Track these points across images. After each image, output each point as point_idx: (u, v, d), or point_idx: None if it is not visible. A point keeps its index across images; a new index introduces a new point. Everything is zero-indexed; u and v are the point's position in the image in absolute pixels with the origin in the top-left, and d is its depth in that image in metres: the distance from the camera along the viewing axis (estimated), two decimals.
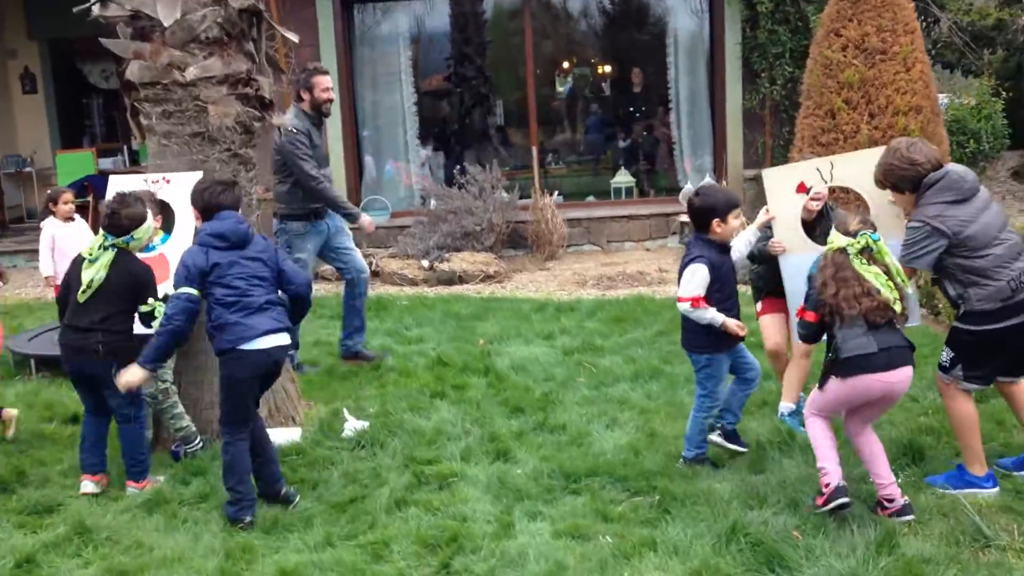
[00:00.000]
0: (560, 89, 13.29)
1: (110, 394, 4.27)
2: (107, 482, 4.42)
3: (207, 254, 4.00)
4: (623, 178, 11.48)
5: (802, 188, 4.52)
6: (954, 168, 4.01)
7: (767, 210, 4.54)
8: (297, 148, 5.96)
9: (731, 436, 4.41)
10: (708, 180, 10.64)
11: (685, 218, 9.67)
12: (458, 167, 10.96)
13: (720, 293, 4.22)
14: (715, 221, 4.15)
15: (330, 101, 6.18)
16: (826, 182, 4.47)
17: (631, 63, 12.40)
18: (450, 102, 12.93)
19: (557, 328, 6.91)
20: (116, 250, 4.27)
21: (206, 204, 4.13)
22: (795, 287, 4.37)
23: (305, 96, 6.11)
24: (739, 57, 10.55)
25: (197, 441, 4.77)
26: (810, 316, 3.84)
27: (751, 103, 10.41)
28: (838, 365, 3.73)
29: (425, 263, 9.50)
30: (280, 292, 4.16)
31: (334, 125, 10.94)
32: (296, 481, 4.32)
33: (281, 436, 4.72)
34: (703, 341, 4.25)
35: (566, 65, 13.13)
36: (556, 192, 10.56)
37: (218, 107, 4.71)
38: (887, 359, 3.66)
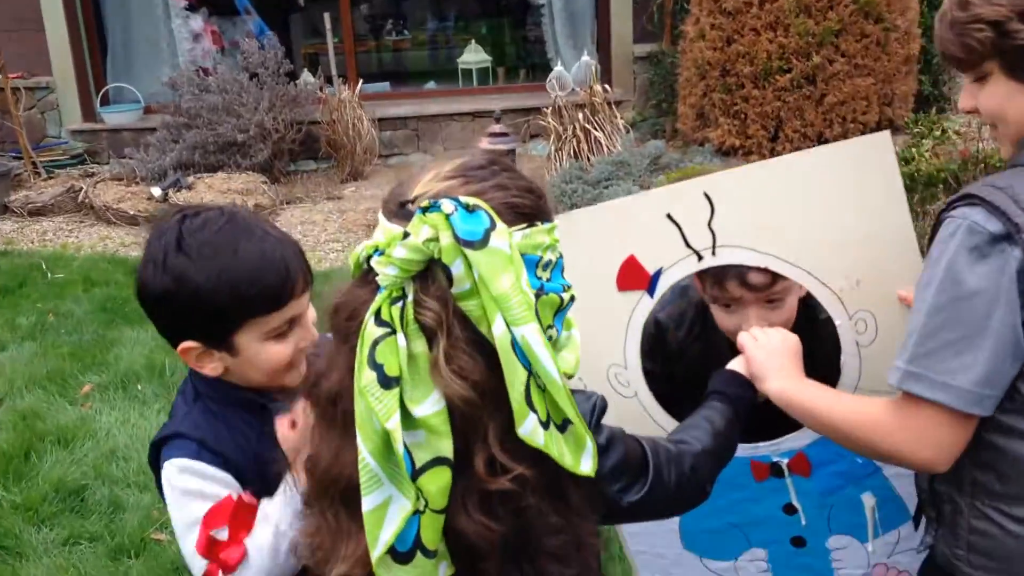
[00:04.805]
0: None
1: None
2: None
3: None
4: (474, 56, 8.34)
5: (632, 275, 1.63)
6: None
7: None
8: None
9: None
10: (586, 59, 7.61)
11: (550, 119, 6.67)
12: (232, 41, 7.76)
13: None
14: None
15: None
16: (698, 254, 1.59)
17: None
18: None
19: None
20: None
21: None
22: None
23: None
24: None
25: None
26: None
27: None
28: None
29: (156, 191, 6.44)
30: None
31: None
32: None
33: None
34: None
35: None
36: (361, 81, 7.42)
37: None
38: None
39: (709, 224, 1.57)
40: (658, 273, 1.60)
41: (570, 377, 1.06)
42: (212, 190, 6.44)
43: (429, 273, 0.99)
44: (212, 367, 1.35)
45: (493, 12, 9.36)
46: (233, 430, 1.38)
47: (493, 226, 0.97)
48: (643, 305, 1.63)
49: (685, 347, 1.86)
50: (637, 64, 7.60)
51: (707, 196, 1.55)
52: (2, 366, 4.08)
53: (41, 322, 4.56)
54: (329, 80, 7.44)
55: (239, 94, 6.98)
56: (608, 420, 1.74)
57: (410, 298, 0.99)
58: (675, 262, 1.59)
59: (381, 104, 7.59)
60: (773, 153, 5.54)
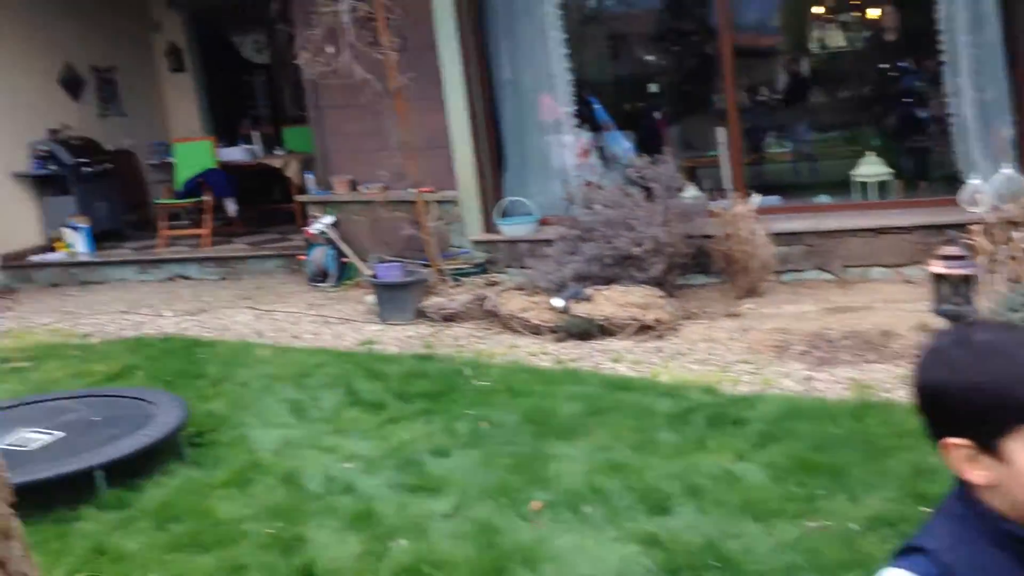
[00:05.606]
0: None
1: None
2: None
3: None
4: (872, 168, 7.87)
5: None
6: None
7: None
8: None
9: None
10: (1007, 171, 6.91)
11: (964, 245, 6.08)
12: (623, 153, 7.95)
13: None
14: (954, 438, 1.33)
15: None
16: None
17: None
18: (627, 61, 9.78)
19: (684, 478, 3.84)
20: None
21: None
22: None
23: None
24: None
25: None
26: None
27: None
28: None
29: (559, 303, 6.62)
30: None
31: (453, 88, 8.19)
32: None
33: None
34: None
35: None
36: (753, 195, 7.24)
37: None
38: None
39: None
40: None
41: None
42: (611, 302, 6.51)
43: None
44: (978, 474, 1.29)
45: (884, 122, 8.89)
46: (995, 568, 1.25)
47: None
48: None
49: None
50: None
51: None
52: (451, 473, 4.22)
53: (475, 430, 4.71)
54: (720, 193, 7.36)
55: (632, 208, 7.08)
56: None
57: None
58: None
59: (774, 218, 7.36)
60: None
